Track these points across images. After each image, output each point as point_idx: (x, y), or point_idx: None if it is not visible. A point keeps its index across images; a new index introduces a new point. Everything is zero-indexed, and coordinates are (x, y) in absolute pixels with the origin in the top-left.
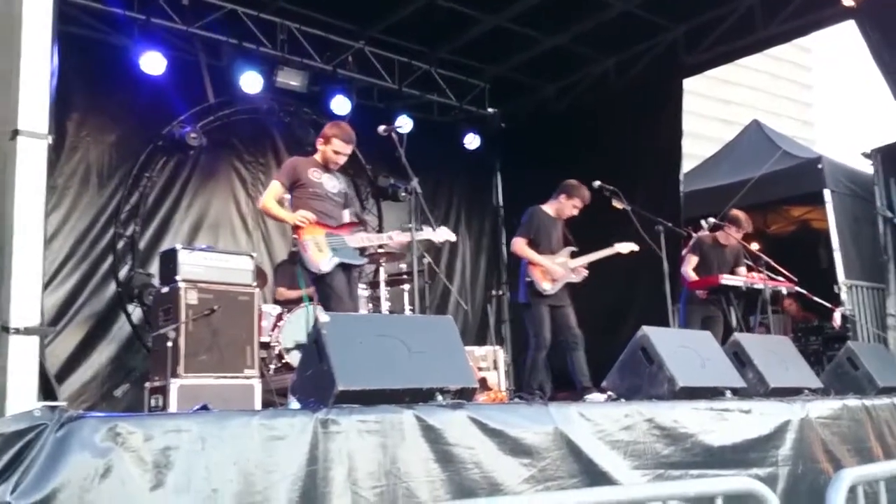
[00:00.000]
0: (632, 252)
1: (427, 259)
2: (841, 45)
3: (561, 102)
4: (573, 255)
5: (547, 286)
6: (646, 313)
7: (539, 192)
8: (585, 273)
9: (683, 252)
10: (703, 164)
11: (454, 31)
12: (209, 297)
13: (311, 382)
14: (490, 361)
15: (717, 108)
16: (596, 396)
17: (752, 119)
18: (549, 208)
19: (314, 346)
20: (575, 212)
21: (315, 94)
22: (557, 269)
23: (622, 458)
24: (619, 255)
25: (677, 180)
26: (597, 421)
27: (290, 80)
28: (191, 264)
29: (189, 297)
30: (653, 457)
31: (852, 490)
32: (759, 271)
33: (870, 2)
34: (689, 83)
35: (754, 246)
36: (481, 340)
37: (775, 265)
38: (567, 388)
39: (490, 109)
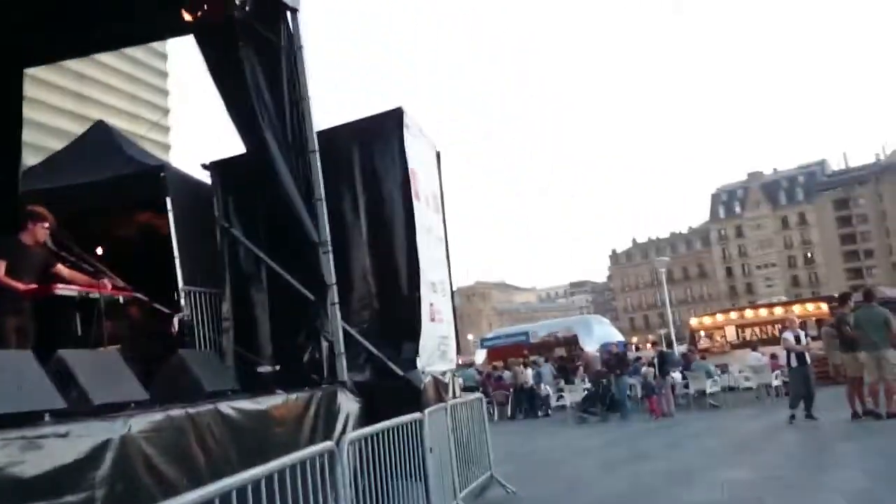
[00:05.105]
0: None
1: None
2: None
3: None
4: None
5: None
6: None
7: None
8: None
9: None
10: (45, 161)
11: None
12: None
13: None
14: None
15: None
16: None
17: (98, 119)
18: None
19: None
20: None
21: None
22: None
23: None
24: None
25: (16, 180)
26: None
27: None
28: None
29: None
30: None
31: None
32: (99, 281)
33: (207, 22)
34: (42, 73)
35: (99, 251)
36: None
37: (110, 273)
38: None
39: None
